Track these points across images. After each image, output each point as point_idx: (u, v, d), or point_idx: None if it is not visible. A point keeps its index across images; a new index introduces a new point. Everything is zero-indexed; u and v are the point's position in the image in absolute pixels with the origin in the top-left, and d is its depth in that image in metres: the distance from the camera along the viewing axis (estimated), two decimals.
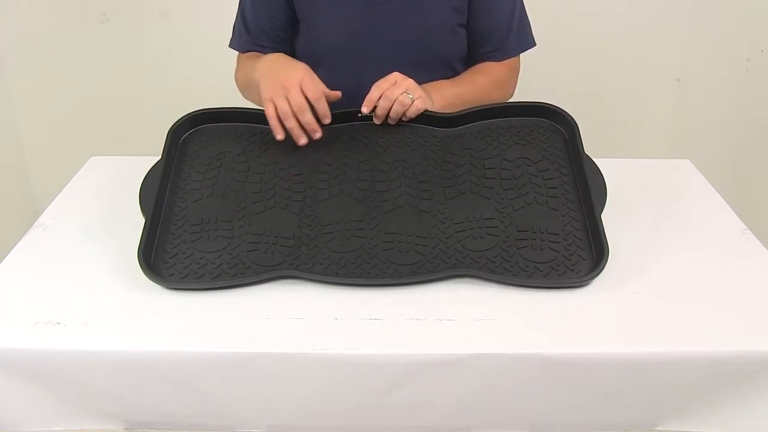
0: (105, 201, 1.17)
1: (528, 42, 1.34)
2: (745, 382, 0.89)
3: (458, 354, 0.86)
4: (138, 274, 0.97)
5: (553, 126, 1.15)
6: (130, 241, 1.03)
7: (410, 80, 1.13)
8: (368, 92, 1.13)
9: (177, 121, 1.15)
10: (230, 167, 1.11)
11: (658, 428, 0.93)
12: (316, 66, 1.28)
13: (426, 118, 1.15)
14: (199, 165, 1.11)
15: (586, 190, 1.05)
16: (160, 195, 1.06)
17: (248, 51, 1.33)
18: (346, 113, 1.16)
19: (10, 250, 1.05)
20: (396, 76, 1.13)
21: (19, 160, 2.21)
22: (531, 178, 1.08)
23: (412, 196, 1.06)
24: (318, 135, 1.10)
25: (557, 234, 1.01)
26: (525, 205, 1.05)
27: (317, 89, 1.09)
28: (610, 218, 1.04)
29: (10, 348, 0.87)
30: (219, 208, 1.05)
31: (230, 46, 1.36)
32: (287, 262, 0.98)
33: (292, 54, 1.33)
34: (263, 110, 1.14)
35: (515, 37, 1.31)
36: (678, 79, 2.11)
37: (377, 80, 1.13)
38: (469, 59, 1.34)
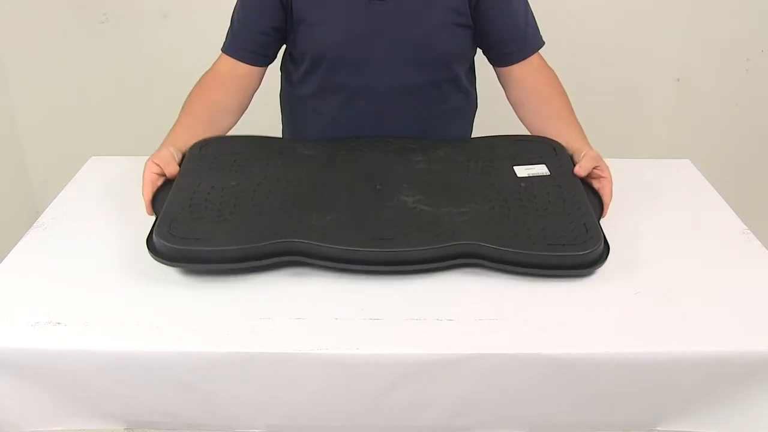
0: (105, 201, 1.17)
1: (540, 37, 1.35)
2: (745, 382, 0.89)
3: (458, 354, 0.86)
4: (137, 274, 0.97)
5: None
6: (130, 240, 1.04)
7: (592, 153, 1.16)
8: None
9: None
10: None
11: (658, 428, 0.93)
12: (317, 66, 1.29)
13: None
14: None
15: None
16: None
17: (232, 54, 1.31)
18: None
19: (10, 250, 1.05)
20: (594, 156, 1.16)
21: (19, 160, 2.21)
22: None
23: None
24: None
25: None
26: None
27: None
28: (610, 218, 1.04)
29: (9, 348, 0.87)
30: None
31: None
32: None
33: (272, 58, 1.33)
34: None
35: (533, 33, 1.32)
36: (678, 79, 2.11)
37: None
38: (495, 60, 1.34)
